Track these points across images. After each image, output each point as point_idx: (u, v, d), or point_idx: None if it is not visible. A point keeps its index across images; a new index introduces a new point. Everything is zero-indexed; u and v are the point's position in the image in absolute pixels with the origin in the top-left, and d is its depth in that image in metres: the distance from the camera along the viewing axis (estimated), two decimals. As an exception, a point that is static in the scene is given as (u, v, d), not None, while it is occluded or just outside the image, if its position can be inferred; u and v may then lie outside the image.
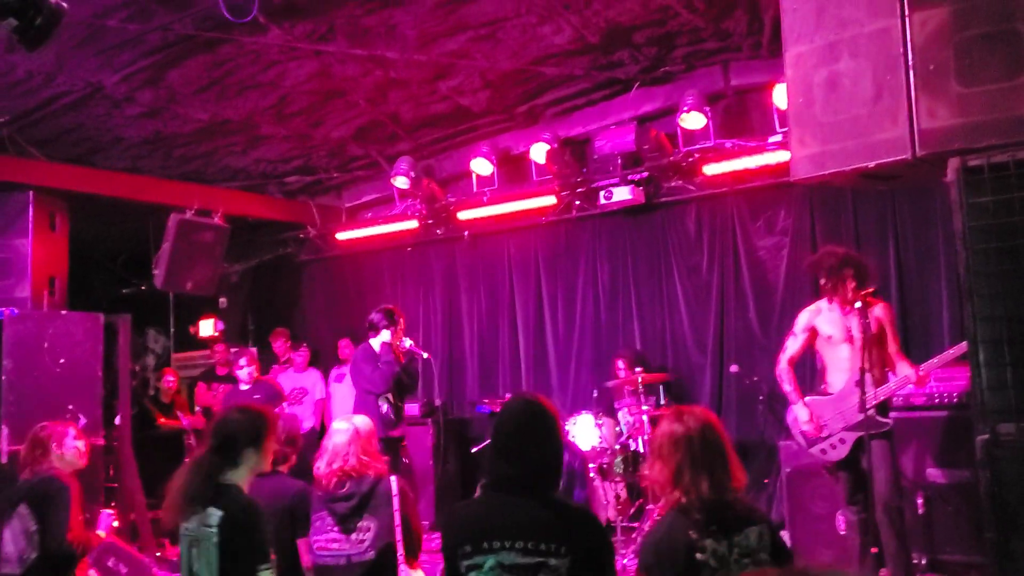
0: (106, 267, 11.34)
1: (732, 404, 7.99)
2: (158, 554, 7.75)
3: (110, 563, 6.07)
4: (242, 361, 8.13)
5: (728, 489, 2.93)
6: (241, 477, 3.57)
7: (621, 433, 7.41)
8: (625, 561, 6.48)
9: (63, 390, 7.19)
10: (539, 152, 8.48)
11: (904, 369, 5.49)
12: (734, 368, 7.68)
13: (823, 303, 5.68)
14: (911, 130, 3.79)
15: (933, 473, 6.01)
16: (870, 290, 5.39)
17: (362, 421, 4.82)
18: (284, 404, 8.25)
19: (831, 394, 5.59)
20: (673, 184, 8.22)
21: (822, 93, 4.10)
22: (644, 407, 7.39)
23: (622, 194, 8.17)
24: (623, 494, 7.45)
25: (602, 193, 8.29)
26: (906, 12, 3.82)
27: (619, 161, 8.22)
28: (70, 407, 7.14)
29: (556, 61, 7.43)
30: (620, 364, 7.96)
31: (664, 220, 8.49)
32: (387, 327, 7.17)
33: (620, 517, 7.10)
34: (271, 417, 3.81)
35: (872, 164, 3.94)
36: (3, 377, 6.95)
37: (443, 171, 9.62)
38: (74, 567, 4.85)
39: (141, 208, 8.89)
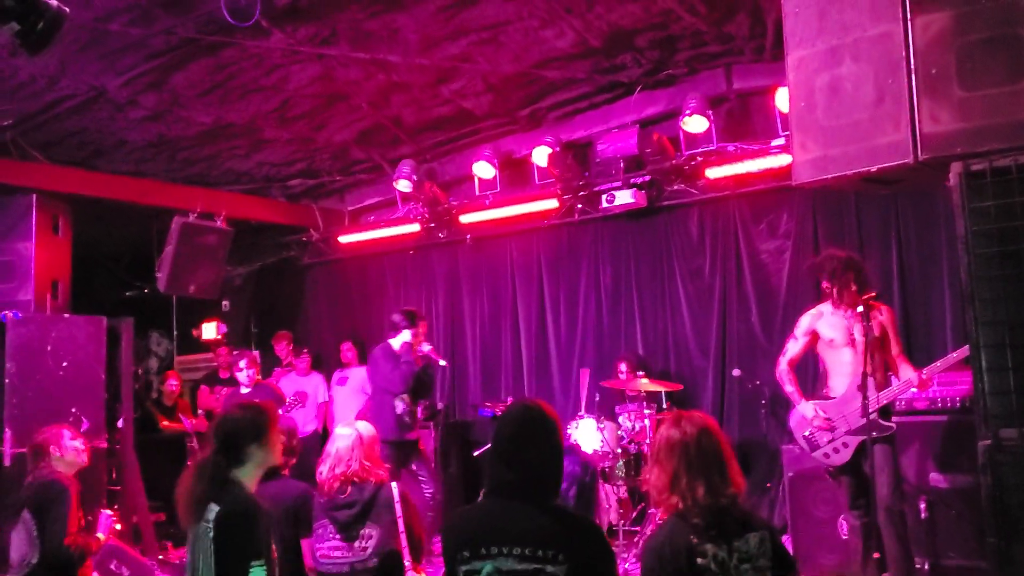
0: (109, 270, 11.34)
1: (734, 408, 7.98)
2: (160, 557, 7.76)
3: (112, 566, 6.08)
4: (242, 363, 8.13)
5: (724, 494, 2.91)
6: (248, 475, 3.55)
7: (622, 437, 7.40)
8: (627, 565, 6.48)
9: (66, 393, 7.20)
10: (541, 155, 8.48)
11: (907, 373, 5.48)
12: (736, 372, 7.68)
13: (825, 306, 5.67)
14: (913, 134, 3.78)
15: (935, 478, 5.99)
16: (872, 294, 5.38)
17: (365, 427, 4.81)
18: (280, 410, 8.25)
19: (833, 398, 5.58)
20: (675, 187, 8.22)
21: (824, 97, 4.10)
22: (646, 411, 7.39)
23: (624, 197, 8.18)
24: (625, 498, 7.44)
25: (604, 196, 8.30)
26: (908, 16, 3.82)
27: (621, 164, 8.23)
28: (73, 410, 7.15)
29: (558, 64, 7.43)
30: (623, 367, 7.96)
31: (666, 223, 8.48)
32: (407, 327, 7.18)
33: (622, 521, 7.09)
34: (272, 411, 3.80)
35: (874, 168, 3.94)
36: (6, 380, 6.95)
37: (445, 174, 9.63)
38: (75, 571, 4.86)
39: (144, 211, 8.90)
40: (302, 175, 9.71)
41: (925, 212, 7.13)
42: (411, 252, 10.13)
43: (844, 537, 5.79)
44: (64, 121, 7.53)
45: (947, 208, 4.14)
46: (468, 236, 9.50)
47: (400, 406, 7.06)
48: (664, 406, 7.85)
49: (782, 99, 6.80)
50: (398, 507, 4.61)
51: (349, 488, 4.56)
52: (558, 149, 8.39)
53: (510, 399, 8.65)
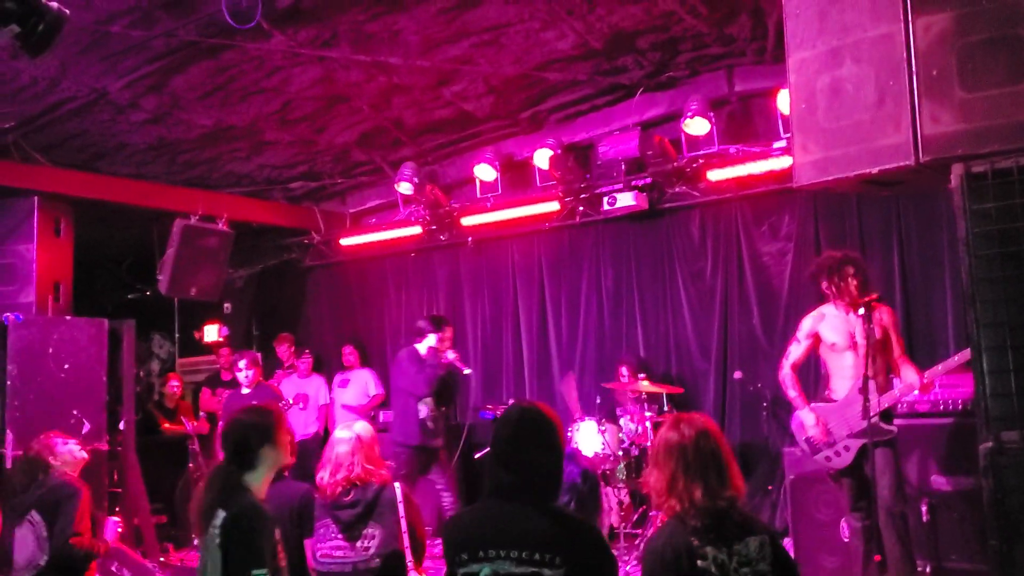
0: (111, 272, 11.36)
1: (736, 410, 7.97)
2: (162, 559, 7.77)
3: (114, 568, 6.08)
4: (241, 364, 8.12)
5: (722, 496, 2.90)
6: (260, 478, 3.55)
7: (623, 439, 7.40)
8: (628, 568, 6.46)
9: (67, 395, 7.20)
10: (542, 158, 8.47)
11: (909, 375, 5.47)
12: (738, 374, 7.67)
13: (827, 309, 5.66)
14: (914, 136, 3.77)
15: (937, 480, 5.97)
16: (874, 296, 5.36)
17: (363, 428, 4.80)
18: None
19: (835, 401, 5.57)
20: (677, 190, 8.21)
21: (825, 98, 4.09)
22: (647, 413, 7.39)
23: (626, 200, 8.16)
24: (626, 500, 7.43)
25: (606, 199, 8.28)
26: (909, 17, 3.80)
27: (623, 167, 8.22)
28: (74, 412, 7.16)
29: (560, 67, 7.43)
30: (624, 370, 7.95)
31: (668, 226, 8.47)
32: (433, 332, 7.18)
33: (623, 524, 7.08)
34: (277, 411, 3.81)
35: (875, 170, 3.93)
36: (7, 383, 6.96)
37: (447, 177, 9.63)
38: (82, 572, 4.86)
39: (146, 214, 8.91)
40: (303, 177, 9.71)
41: (926, 214, 7.12)
42: (412, 254, 10.13)
43: (845, 540, 5.78)
44: (65, 123, 7.53)
45: (948, 210, 4.13)
46: (469, 238, 9.49)
47: (424, 410, 7.06)
48: (665, 408, 7.84)
49: (783, 101, 6.79)
50: (401, 507, 4.60)
51: (352, 491, 4.54)
52: (559, 151, 8.39)
53: (511, 401, 8.64)
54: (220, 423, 8.31)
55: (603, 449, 7.21)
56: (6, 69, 6.41)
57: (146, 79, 6.85)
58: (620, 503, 7.35)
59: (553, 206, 8.76)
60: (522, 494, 2.91)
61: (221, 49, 6.44)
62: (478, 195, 9.17)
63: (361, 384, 9.74)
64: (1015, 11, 3.59)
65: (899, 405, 5.88)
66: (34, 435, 5.28)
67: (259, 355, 8.52)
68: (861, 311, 5.27)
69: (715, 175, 7.80)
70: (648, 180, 8.18)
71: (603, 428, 7.30)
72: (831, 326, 5.61)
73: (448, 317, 9.74)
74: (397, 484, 4.68)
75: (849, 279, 5.49)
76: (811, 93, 4.15)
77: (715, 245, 8.20)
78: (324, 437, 8.95)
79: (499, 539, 2.84)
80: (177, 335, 11.97)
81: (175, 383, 10.12)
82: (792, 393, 5.72)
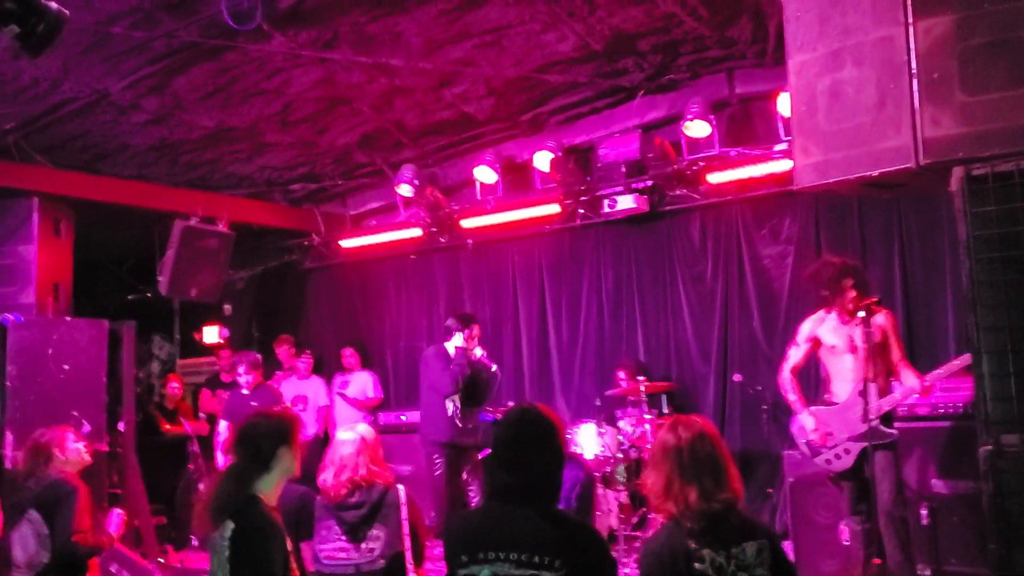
0: (111, 274, 11.36)
1: (736, 413, 7.96)
2: (161, 560, 7.75)
3: (113, 569, 6.08)
4: (240, 369, 8.15)
5: (717, 499, 2.90)
6: (273, 483, 3.53)
7: (623, 442, 7.39)
8: (627, 570, 6.46)
9: (67, 396, 7.20)
10: (543, 160, 8.46)
11: (909, 378, 5.46)
12: (738, 377, 7.66)
13: (826, 312, 5.66)
14: (915, 139, 3.77)
15: (937, 484, 5.97)
16: (873, 299, 5.36)
17: (366, 429, 4.78)
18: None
19: (835, 404, 5.57)
20: (677, 192, 8.21)
21: (825, 101, 4.09)
22: (647, 416, 7.38)
23: (626, 202, 8.16)
24: (626, 503, 7.43)
25: (606, 201, 8.28)
26: (910, 20, 3.80)
27: (623, 169, 8.21)
28: (74, 413, 7.14)
29: (560, 69, 7.43)
30: (621, 375, 7.93)
31: (668, 229, 8.47)
32: (460, 331, 7.18)
33: (623, 526, 7.07)
34: (297, 418, 3.81)
35: (875, 173, 3.93)
36: (7, 383, 6.96)
37: (447, 179, 9.62)
38: (84, 570, 4.87)
39: (146, 215, 8.91)
40: (304, 179, 9.72)
41: (927, 217, 7.11)
42: (412, 257, 10.12)
43: (845, 543, 5.77)
44: (66, 124, 7.53)
45: (949, 213, 4.12)
46: (470, 241, 9.49)
47: (452, 408, 7.05)
48: (665, 411, 7.84)
49: (784, 104, 6.79)
50: (404, 509, 4.59)
51: (356, 492, 4.53)
52: (560, 154, 8.38)
53: (511, 404, 8.64)
54: (219, 424, 8.32)
55: (603, 451, 7.21)
56: (7, 69, 6.41)
57: (147, 80, 6.85)
58: (620, 505, 7.34)
59: (553, 208, 8.75)
60: (522, 496, 2.91)
61: (222, 50, 6.44)
62: (478, 197, 9.16)
63: (360, 386, 9.74)
64: (1016, 15, 3.60)
65: (899, 408, 5.88)
66: (37, 430, 5.26)
67: (259, 357, 8.51)
68: (861, 315, 5.27)
69: (715, 178, 7.79)
70: (649, 183, 8.17)
71: (603, 430, 7.29)
72: (831, 329, 5.61)
73: (447, 318, 9.81)
74: (400, 486, 4.67)
75: (847, 292, 5.49)
76: (812, 96, 4.15)
77: (715, 248, 8.20)
78: (324, 439, 8.95)
79: (499, 541, 2.84)
80: (177, 336, 11.99)
81: (175, 384, 10.12)
82: (792, 396, 5.73)
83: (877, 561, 5.27)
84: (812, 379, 6.73)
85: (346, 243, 10.26)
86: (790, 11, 4.27)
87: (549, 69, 7.41)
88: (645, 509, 7.28)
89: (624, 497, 7.40)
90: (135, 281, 11.16)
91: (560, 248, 9.18)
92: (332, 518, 4.54)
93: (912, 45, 3.79)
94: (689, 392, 8.16)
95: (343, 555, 4.50)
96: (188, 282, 8.62)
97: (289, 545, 3.49)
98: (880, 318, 5.46)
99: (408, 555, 4.56)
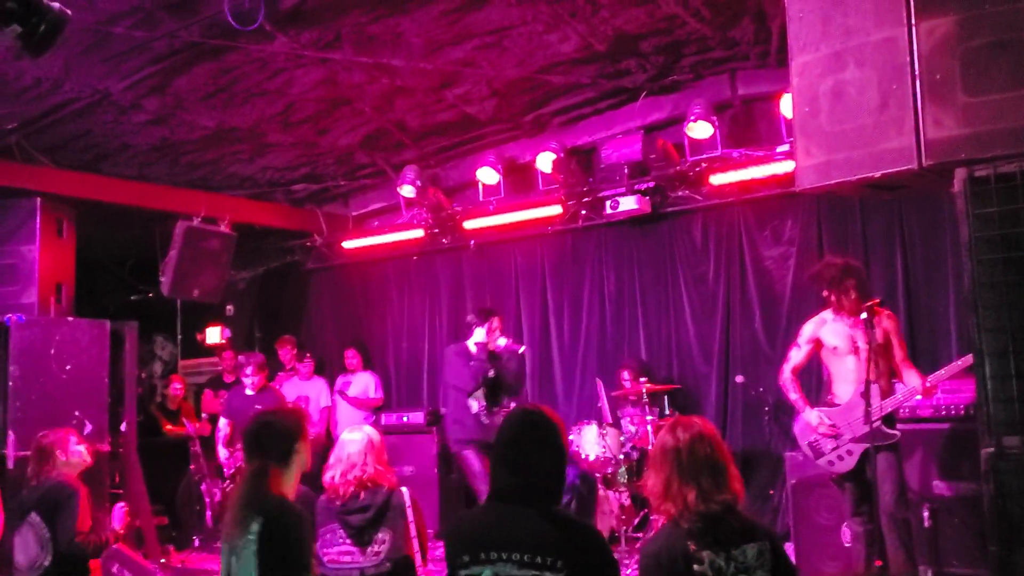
0: (113, 274, 11.37)
1: (737, 414, 7.96)
2: (163, 560, 7.75)
3: (114, 569, 6.07)
4: (248, 369, 8.16)
5: (715, 500, 2.89)
6: (292, 479, 3.53)
7: (625, 443, 7.39)
8: (628, 571, 6.45)
9: (69, 396, 7.20)
10: (545, 161, 8.46)
11: (912, 379, 5.46)
12: (739, 378, 7.65)
13: (828, 314, 5.66)
14: (917, 140, 3.75)
15: (939, 485, 5.97)
16: (875, 300, 5.36)
17: (372, 431, 4.78)
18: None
19: (837, 405, 5.56)
20: (680, 194, 8.21)
21: (827, 102, 4.08)
22: (648, 416, 7.37)
23: (628, 203, 8.15)
24: (627, 504, 7.42)
25: (608, 203, 8.26)
26: (912, 21, 3.79)
27: (625, 170, 8.21)
28: (76, 413, 7.15)
29: (563, 69, 7.43)
30: (625, 375, 7.93)
31: (670, 230, 8.47)
32: (479, 325, 7.16)
33: (624, 527, 7.07)
34: (304, 413, 3.80)
35: (878, 174, 3.91)
36: (9, 384, 6.95)
37: (449, 180, 9.63)
38: (86, 572, 4.87)
39: (148, 215, 8.91)
40: (306, 180, 9.72)
41: (930, 218, 7.11)
42: (415, 258, 10.13)
43: (847, 544, 5.77)
44: (68, 124, 7.54)
45: (951, 214, 4.12)
46: (472, 242, 9.49)
47: (475, 405, 7.03)
48: (667, 412, 7.84)
49: (786, 105, 6.79)
50: (410, 512, 4.58)
51: (362, 493, 4.51)
52: (562, 155, 8.38)
53: (512, 405, 8.64)
54: (220, 423, 8.32)
55: (604, 452, 7.20)
56: (9, 69, 6.41)
57: (149, 80, 6.85)
58: (621, 506, 7.34)
59: (555, 210, 8.75)
60: (524, 497, 2.90)
61: (224, 51, 6.44)
62: (480, 198, 9.16)
63: (362, 387, 9.74)
64: (1018, 15, 3.58)
65: (901, 410, 5.87)
66: (35, 436, 5.27)
67: (265, 359, 8.52)
68: (863, 316, 5.27)
69: (718, 179, 7.79)
70: (651, 184, 8.16)
71: (604, 431, 7.28)
72: (832, 331, 5.61)
73: (450, 320, 9.82)
74: (405, 489, 4.66)
75: (850, 291, 5.49)
76: (814, 97, 4.13)
77: (717, 249, 8.19)
78: (326, 440, 8.95)
79: (501, 541, 2.84)
80: (179, 337, 11.99)
81: (177, 385, 10.13)
82: (794, 396, 5.72)
83: (879, 562, 5.26)
84: (814, 381, 6.73)
85: (348, 244, 10.26)
86: (792, 12, 4.26)
87: (551, 70, 7.40)
88: (647, 510, 7.27)
89: (626, 498, 7.40)
90: (137, 281, 11.17)
91: (562, 249, 9.18)
92: (336, 522, 4.52)
93: (914, 46, 3.78)
94: (691, 393, 8.16)
95: (348, 559, 4.48)
96: (190, 282, 8.63)
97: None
98: (882, 319, 5.46)
99: (418, 558, 4.56)
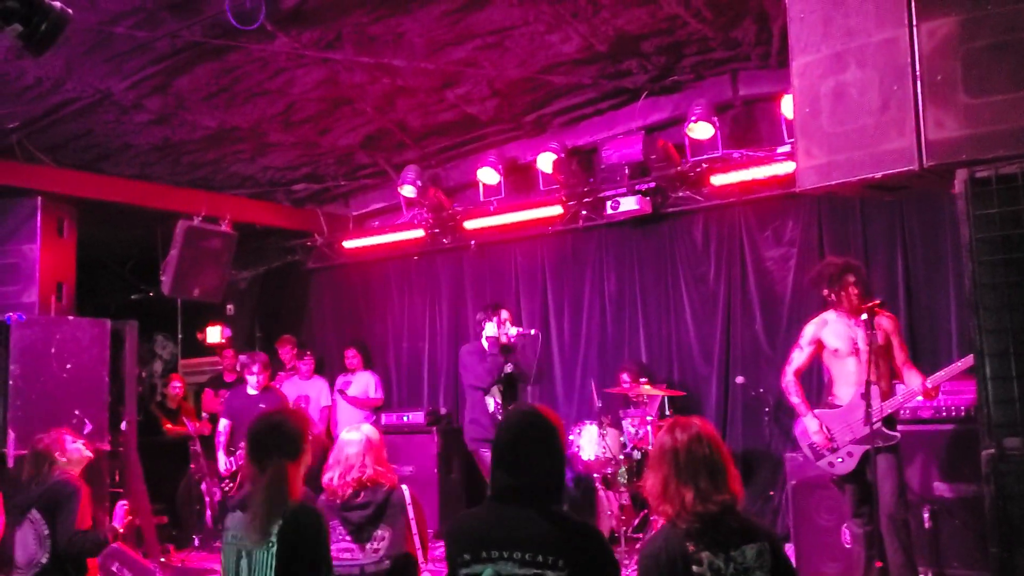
0: (114, 273, 11.38)
1: (738, 415, 7.96)
2: (163, 559, 7.76)
3: (114, 568, 6.06)
4: (255, 368, 8.14)
5: (713, 501, 2.89)
6: (302, 473, 3.52)
7: (625, 443, 7.38)
8: (628, 571, 6.45)
9: (70, 395, 7.21)
10: (546, 161, 8.47)
11: (913, 379, 5.45)
12: (740, 379, 7.65)
13: (829, 315, 5.65)
14: (918, 141, 3.75)
15: (939, 487, 5.96)
16: (876, 302, 5.35)
17: (371, 430, 4.78)
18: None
19: (838, 407, 5.56)
20: (680, 194, 8.21)
21: (829, 103, 4.07)
22: (648, 417, 7.37)
23: (629, 204, 8.15)
24: (627, 504, 7.42)
25: (609, 203, 8.26)
26: (914, 22, 3.79)
27: (626, 171, 8.20)
28: (76, 412, 7.16)
29: (564, 70, 7.43)
30: (625, 377, 7.92)
31: (671, 230, 8.47)
32: (489, 320, 7.15)
33: (624, 528, 7.06)
34: (304, 411, 3.79)
35: (879, 175, 3.91)
36: (10, 382, 6.96)
37: (450, 180, 9.63)
38: (84, 570, 4.87)
39: (149, 214, 8.92)
40: (307, 179, 9.72)
41: (930, 219, 7.11)
42: (415, 258, 10.13)
43: (847, 546, 5.76)
44: (69, 124, 7.54)
45: (952, 215, 4.11)
46: (472, 242, 9.50)
47: (491, 404, 7.02)
48: (667, 412, 7.83)
49: (787, 106, 6.78)
50: (410, 509, 4.58)
51: (362, 492, 4.52)
52: (563, 155, 8.39)
53: (512, 405, 8.64)
54: (220, 424, 8.30)
55: (604, 453, 7.20)
56: (11, 69, 6.42)
57: (150, 80, 6.85)
58: (621, 507, 7.34)
59: (556, 210, 8.75)
60: (524, 497, 2.90)
61: (225, 50, 6.45)
62: (481, 198, 9.17)
63: (362, 387, 9.74)
64: (1021, 16, 3.58)
65: (902, 411, 5.87)
66: (36, 435, 5.27)
67: (268, 358, 8.51)
68: (863, 317, 5.27)
69: (719, 179, 7.79)
70: (652, 184, 8.16)
71: (604, 432, 7.28)
72: (834, 332, 5.60)
73: (450, 320, 9.83)
74: (405, 487, 4.66)
75: (850, 288, 5.49)
76: (815, 97, 4.13)
77: (718, 250, 8.19)
78: (326, 440, 8.95)
79: (502, 540, 2.84)
80: (180, 336, 12.00)
81: (177, 384, 10.13)
82: (795, 399, 5.72)
83: (879, 564, 5.25)
84: (814, 382, 6.73)
85: (349, 244, 10.27)
86: (794, 13, 4.25)
87: (553, 70, 7.41)
88: (647, 511, 7.27)
89: (626, 499, 7.40)
90: (138, 281, 11.18)
91: (563, 249, 9.18)
92: (336, 518, 4.53)
93: (916, 47, 3.78)
94: (691, 394, 8.15)
95: (348, 555, 4.48)
96: (191, 282, 8.63)
97: None
98: (883, 320, 5.46)
99: (420, 555, 4.56)
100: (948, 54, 3.70)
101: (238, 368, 9.70)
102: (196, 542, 8.73)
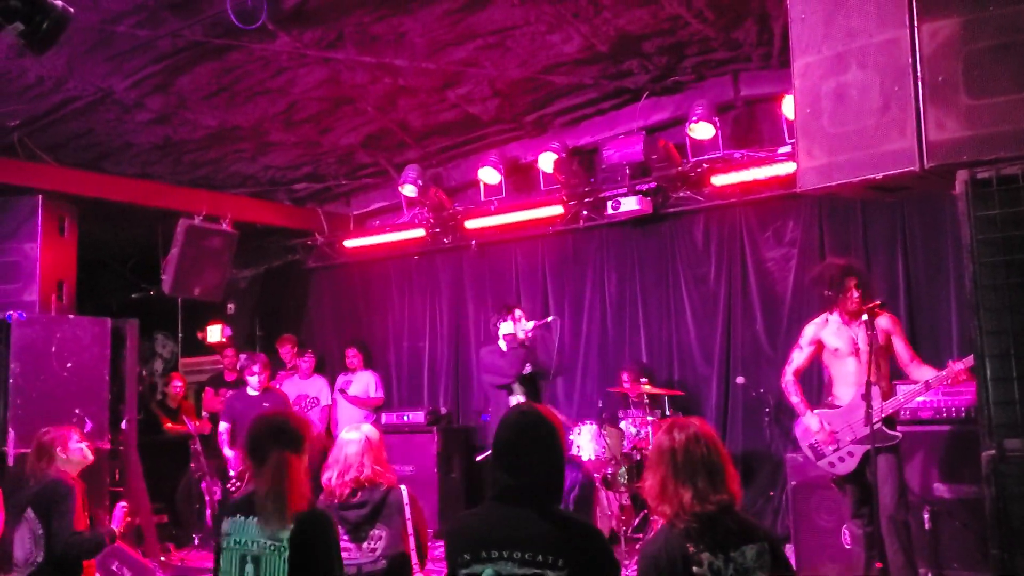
0: (114, 272, 11.37)
1: (738, 416, 7.96)
2: (162, 558, 7.76)
3: (114, 567, 6.07)
4: (255, 368, 8.13)
5: (711, 501, 2.89)
6: (305, 468, 3.52)
7: (625, 444, 7.38)
8: (628, 572, 6.45)
9: (70, 394, 7.21)
10: (547, 161, 8.47)
11: (924, 373, 5.41)
12: (740, 380, 7.65)
13: (830, 315, 5.65)
14: (919, 142, 3.75)
15: (940, 488, 5.96)
16: (876, 302, 5.35)
17: (370, 429, 4.78)
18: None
19: (838, 407, 5.56)
20: (681, 194, 8.21)
21: (830, 104, 4.07)
22: (648, 417, 7.37)
23: (630, 204, 8.16)
24: (627, 504, 7.42)
25: (610, 203, 8.27)
26: (915, 23, 3.79)
27: (627, 171, 8.20)
28: (76, 411, 7.16)
29: (565, 70, 7.43)
30: (625, 378, 7.92)
31: (672, 231, 8.47)
32: (504, 319, 7.15)
33: (624, 528, 7.06)
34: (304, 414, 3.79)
35: (879, 176, 3.91)
36: (10, 381, 6.96)
37: (451, 180, 9.63)
38: (80, 570, 4.87)
39: (150, 213, 8.92)
40: (307, 179, 9.72)
41: (931, 220, 7.10)
42: (416, 257, 10.13)
43: (847, 546, 5.77)
44: (71, 122, 7.55)
45: (953, 216, 4.11)
46: (473, 242, 9.50)
47: (513, 401, 7.00)
48: (667, 412, 7.83)
49: (789, 106, 6.79)
50: (408, 509, 4.58)
51: (360, 492, 4.52)
52: (564, 155, 8.39)
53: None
54: (220, 426, 8.30)
55: (603, 453, 7.20)
56: (13, 67, 6.42)
57: (152, 79, 6.86)
58: (621, 507, 7.34)
59: (557, 210, 8.75)
60: (524, 497, 2.90)
61: (227, 50, 6.45)
62: (482, 198, 9.17)
63: (363, 386, 9.74)
64: (1022, 18, 3.58)
65: (902, 411, 5.87)
66: (35, 434, 5.27)
67: (267, 359, 8.50)
68: (864, 317, 5.26)
69: (720, 180, 7.79)
70: (652, 184, 8.16)
71: (604, 432, 7.28)
72: (834, 332, 5.60)
73: (451, 319, 9.83)
74: (403, 487, 4.66)
75: (851, 291, 5.48)
76: (816, 98, 4.13)
77: (719, 250, 8.19)
78: (326, 439, 8.95)
79: (502, 540, 2.83)
80: (180, 335, 11.99)
81: (178, 383, 10.12)
82: (795, 399, 5.71)
83: (879, 565, 5.24)
84: (815, 382, 6.72)
85: (349, 243, 10.27)
86: (795, 13, 4.25)
87: (554, 70, 7.41)
88: (647, 511, 7.27)
89: (626, 499, 7.40)
90: (138, 279, 11.18)
91: (563, 249, 9.18)
92: (334, 517, 4.53)
93: (917, 48, 3.78)
94: (691, 394, 8.15)
95: (345, 555, 4.47)
96: (191, 281, 8.64)
97: None
98: (883, 321, 5.45)
99: (413, 556, 4.56)
100: (949, 55, 3.70)
101: (238, 369, 9.70)
102: (196, 541, 8.73)
